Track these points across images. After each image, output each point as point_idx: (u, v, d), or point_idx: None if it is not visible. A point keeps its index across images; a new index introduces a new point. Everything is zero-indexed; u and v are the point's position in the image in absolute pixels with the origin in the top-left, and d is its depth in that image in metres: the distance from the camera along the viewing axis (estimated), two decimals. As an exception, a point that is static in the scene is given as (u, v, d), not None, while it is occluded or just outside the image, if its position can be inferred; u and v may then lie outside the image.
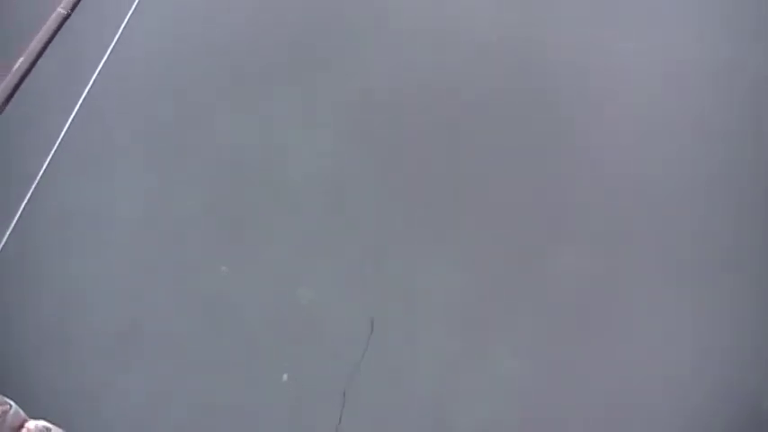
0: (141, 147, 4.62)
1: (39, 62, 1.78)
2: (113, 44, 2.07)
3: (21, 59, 1.75)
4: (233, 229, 4.33)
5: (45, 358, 3.70)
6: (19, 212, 1.75)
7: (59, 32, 1.84)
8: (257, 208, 4.43)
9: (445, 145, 4.69)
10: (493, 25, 5.36)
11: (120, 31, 2.11)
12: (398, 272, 4.16)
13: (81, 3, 1.91)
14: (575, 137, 4.74)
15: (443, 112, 4.85)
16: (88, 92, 1.98)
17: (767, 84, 4.97)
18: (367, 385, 3.69)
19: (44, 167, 1.82)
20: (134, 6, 2.19)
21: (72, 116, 1.90)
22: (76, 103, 1.93)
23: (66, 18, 1.87)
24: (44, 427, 1.46)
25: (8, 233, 1.69)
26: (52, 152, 1.85)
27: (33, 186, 1.78)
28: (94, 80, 1.99)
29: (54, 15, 1.85)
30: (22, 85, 1.73)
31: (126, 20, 2.14)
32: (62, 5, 1.87)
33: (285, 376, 3.73)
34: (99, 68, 2.01)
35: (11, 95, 1.68)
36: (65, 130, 1.89)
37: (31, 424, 1.46)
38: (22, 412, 1.46)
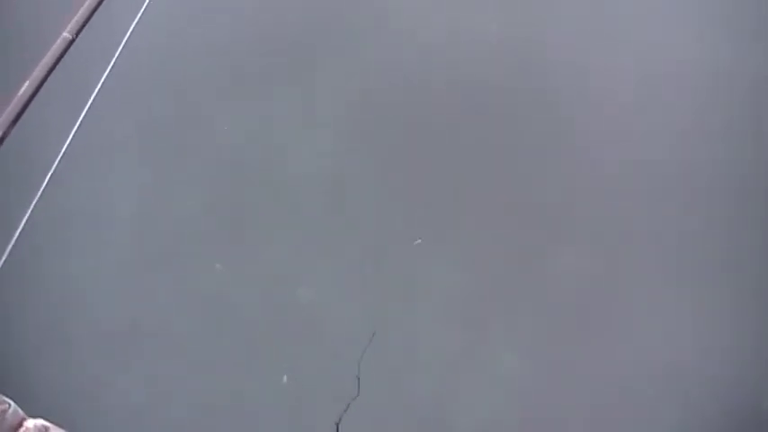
0: (141, 146, 4.62)
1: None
2: (118, 51, 2.09)
3: (26, 84, 1.77)
4: (233, 229, 4.33)
5: (44, 357, 3.71)
6: (24, 220, 1.76)
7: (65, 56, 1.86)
8: (257, 208, 4.43)
9: (445, 144, 4.69)
10: (493, 25, 5.36)
11: (125, 40, 2.13)
12: (398, 271, 4.17)
13: (86, 27, 1.94)
14: (575, 136, 4.74)
15: (443, 111, 4.86)
16: (89, 90, 1.99)
17: (767, 84, 4.97)
18: (367, 385, 3.69)
19: (49, 175, 1.83)
20: (138, 16, 2.21)
21: (77, 125, 1.92)
22: (79, 108, 1.95)
23: (71, 42, 1.89)
24: (43, 425, 1.46)
25: (13, 241, 1.71)
26: (57, 160, 1.87)
27: (39, 194, 1.80)
28: (98, 81, 2.01)
29: (59, 40, 1.87)
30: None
31: (130, 30, 2.15)
32: (67, 30, 1.90)
33: (285, 378, 3.73)
34: (104, 76, 2.03)
35: (17, 119, 1.70)
36: (70, 137, 1.91)
37: (30, 423, 1.46)
38: (20, 411, 1.46)
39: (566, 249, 4.24)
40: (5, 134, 1.66)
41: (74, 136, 1.89)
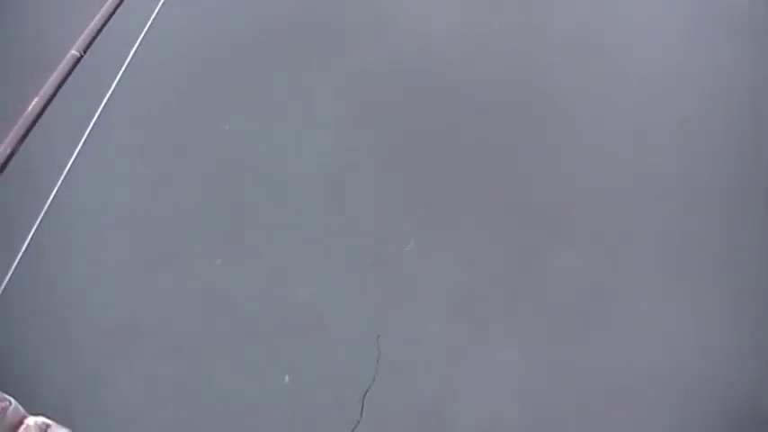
0: (141, 145, 4.63)
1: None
2: (124, 66, 2.12)
3: (35, 101, 1.79)
4: (233, 228, 4.33)
5: (44, 355, 3.70)
6: (34, 228, 1.78)
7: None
8: (257, 206, 4.44)
9: (445, 144, 4.69)
10: (494, 25, 5.37)
11: (131, 54, 2.15)
12: (399, 270, 4.17)
13: (94, 44, 1.96)
14: (575, 136, 4.74)
15: (443, 111, 4.86)
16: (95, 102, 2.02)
17: (767, 84, 4.98)
18: (366, 378, 3.70)
19: (58, 184, 1.86)
20: (146, 28, 2.24)
21: (84, 136, 1.94)
22: (84, 120, 1.97)
23: (78, 60, 1.91)
24: (44, 423, 1.46)
25: (24, 248, 1.72)
26: (66, 169, 1.89)
27: (48, 202, 1.83)
28: (103, 93, 2.03)
29: (67, 57, 1.89)
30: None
31: (136, 45, 2.18)
32: (75, 47, 1.91)
33: (287, 378, 3.73)
34: (110, 90, 2.05)
35: (25, 135, 1.72)
36: (79, 146, 1.93)
37: (31, 420, 1.46)
38: (21, 409, 1.46)
39: (566, 249, 4.24)
40: (14, 150, 1.68)
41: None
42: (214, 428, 3.58)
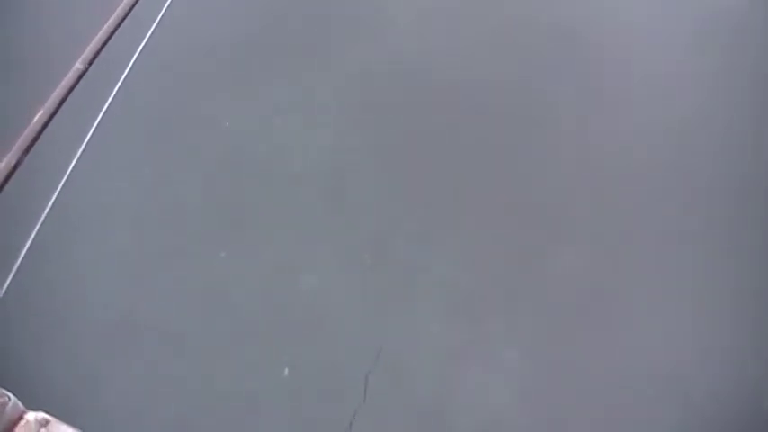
0: (140, 136, 4.63)
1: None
2: (125, 73, 2.14)
3: (39, 113, 1.81)
4: (233, 222, 4.34)
5: (43, 350, 3.71)
6: (35, 231, 1.80)
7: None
8: (258, 201, 4.44)
9: (445, 142, 4.70)
10: (493, 23, 5.38)
11: (132, 61, 2.17)
12: (400, 266, 4.17)
13: (98, 58, 1.99)
14: (575, 136, 4.74)
15: (444, 109, 4.87)
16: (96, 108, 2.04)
17: (767, 84, 4.98)
18: (366, 379, 3.70)
19: (60, 185, 1.88)
20: (150, 33, 2.26)
21: (87, 137, 1.96)
22: (86, 125, 1.99)
23: (83, 73, 1.93)
24: (44, 418, 1.45)
25: (26, 249, 1.74)
26: (69, 169, 1.91)
27: (51, 203, 1.85)
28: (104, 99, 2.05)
29: (72, 71, 1.92)
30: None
31: (137, 52, 2.20)
32: (79, 61, 1.94)
33: (286, 371, 3.73)
34: (112, 94, 2.07)
35: (29, 147, 1.74)
36: (82, 147, 1.95)
37: (31, 416, 1.45)
38: (20, 404, 1.46)
39: (566, 249, 4.24)
40: (19, 162, 1.70)
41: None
42: (214, 420, 3.58)
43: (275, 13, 5.47)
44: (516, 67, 5.13)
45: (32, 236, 1.76)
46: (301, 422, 3.60)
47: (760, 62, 5.11)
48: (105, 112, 2.02)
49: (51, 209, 1.86)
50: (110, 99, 2.05)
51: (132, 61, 2.15)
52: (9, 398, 1.45)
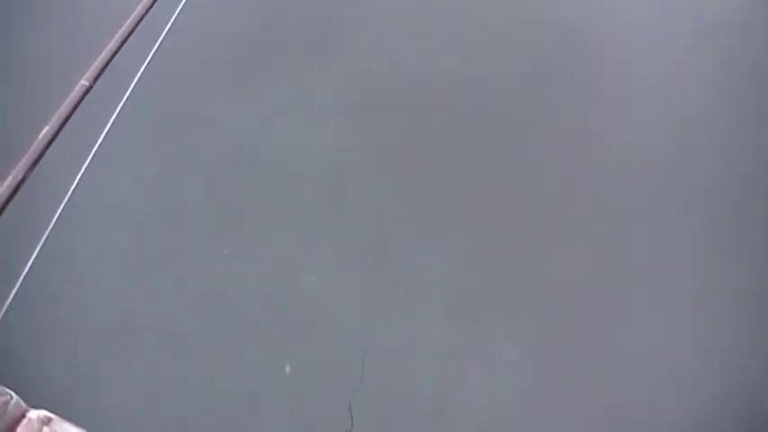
0: (141, 134, 4.63)
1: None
2: (132, 86, 2.17)
3: (46, 128, 1.85)
4: (233, 221, 4.34)
5: (45, 348, 3.70)
6: (45, 235, 1.84)
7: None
8: (258, 200, 4.45)
9: (445, 142, 4.70)
10: (493, 23, 5.38)
11: (139, 73, 2.20)
12: (399, 265, 4.17)
13: (103, 74, 2.02)
14: (575, 136, 4.74)
15: (444, 109, 4.87)
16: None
17: (767, 84, 4.98)
18: (366, 378, 3.70)
19: (69, 192, 1.90)
20: (151, 54, 2.29)
21: (93, 151, 1.99)
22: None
23: (88, 89, 1.97)
24: (45, 416, 1.46)
25: (34, 256, 1.76)
26: (80, 174, 1.94)
27: (62, 206, 1.88)
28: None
29: (77, 87, 1.95)
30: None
31: (144, 66, 2.22)
32: (85, 78, 1.98)
33: (288, 368, 3.73)
34: (120, 106, 2.10)
35: (36, 162, 1.79)
36: (91, 155, 1.97)
37: (33, 413, 1.45)
38: (22, 403, 1.46)
39: (566, 249, 4.24)
40: (26, 176, 1.74)
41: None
42: (215, 419, 3.58)
43: (275, 13, 5.47)
44: (516, 67, 5.13)
45: (37, 249, 1.79)
46: (301, 422, 3.61)
47: (760, 62, 5.12)
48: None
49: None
50: (115, 113, 2.08)
51: (137, 78, 2.18)
52: (11, 396, 1.45)
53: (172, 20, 2.40)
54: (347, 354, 3.78)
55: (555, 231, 4.32)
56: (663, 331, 3.93)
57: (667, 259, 4.21)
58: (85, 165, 1.94)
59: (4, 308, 1.65)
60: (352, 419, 3.57)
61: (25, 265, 1.74)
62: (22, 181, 1.73)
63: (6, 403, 1.44)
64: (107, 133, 2.04)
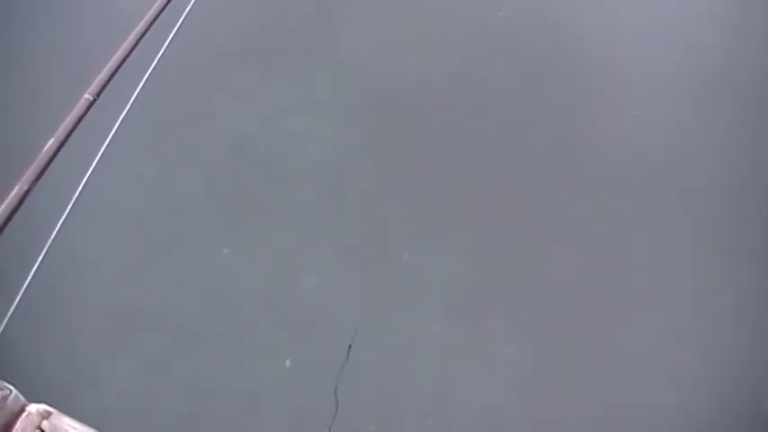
0: (142, 131, 4.63)
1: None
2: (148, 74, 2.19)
3: (50, 141, 1.88)
4: (234, 217, 4.35)
5: (44, 343, 3.70)
6: (52, 237, 1.88)
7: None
8: (259, 196, 4.46)
9: (445, 142, 4.70)
10: (493, 23, 5.38)
11: (141, 84, 2.22)
12: (399, 263, 4.17)
13: (107, 88, 2.06)
14: (575, 136, 4.74)
15: (444, 109, 4.87)
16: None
17: (767, 84, 4.99)
18: (367, 371, 3.72)
19: (76, 194, 1.92)
20: (153, 65, 2.32)
21: (97, 158, 2.01)
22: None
23: (92, 103, 2.00)
24: (45, 410, 1.45)
25: (40, 259, 1.78)
26: (88, 175, 1.95)
27: (68, 209, 1.93)
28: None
29: (81, 101, 1.98)
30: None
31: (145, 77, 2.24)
32: (88, 92, 2.01)
33: (288, 362, 3.73)
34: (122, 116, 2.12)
35: (41, 174, 1.82)
36: (88, 172, 1.99)
37: (33, 407, 1.45)
38: (22, 397, 1.46)
39: (566, 249, 4.24)
40: (30, 188, 1.78)
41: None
42: (216, 412, 3.59)
43: (275, 13, 5.48)
44: (517, 67, 5.13)
45: (40, 257, 1.81)
46: (301, 421, 3.61)
47: (760, 62, 5.12)
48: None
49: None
50: (116, 125, 2.10)
51: (138, 89, 2.21)
52: (10, 391, 1.45)
53: (172, 33, 2.41)
54: (347, 353, 3.78)
55: (555, 231, 4.32)
56: (663, 331, 3.93)
57: (667, 259, 4.21)
58: (88, 173, 1.96)
59: (10, 312, 1.67)
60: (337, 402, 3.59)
61: (28, 272, 1.76)
62: (27, 192, 1.76)
63: (6, 397, 1.44)
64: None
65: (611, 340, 3.91)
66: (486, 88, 4.97)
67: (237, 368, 3.74)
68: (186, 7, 2.50)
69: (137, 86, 2.22)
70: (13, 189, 1.75)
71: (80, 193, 1.94)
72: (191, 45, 5.08)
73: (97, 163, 2.01)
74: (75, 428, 1.45)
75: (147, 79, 2.25)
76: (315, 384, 3.68)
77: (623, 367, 3.82)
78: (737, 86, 4.99)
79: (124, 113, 2.15)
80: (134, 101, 2.19)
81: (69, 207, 1.94)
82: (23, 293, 1.74)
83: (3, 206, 1.71)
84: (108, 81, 2.07)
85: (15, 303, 1.71)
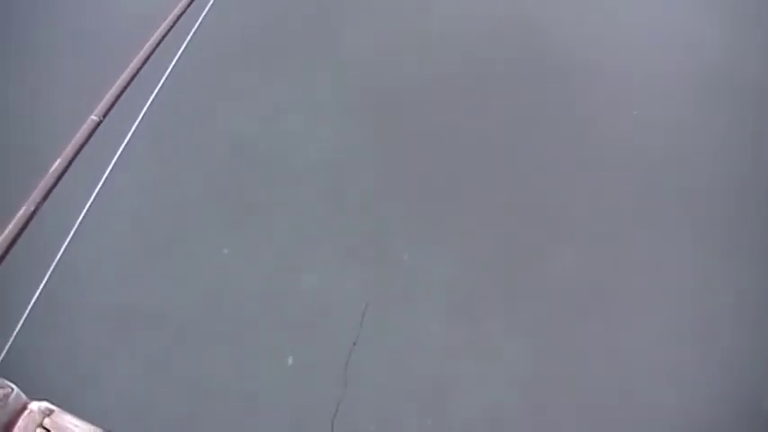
0: (142, 134, 4.62)
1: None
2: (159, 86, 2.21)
3: (57, 161, 1.91)
4: (235, 216, 4.35)
5: (46, 341, 3.69)
6: (64, 245, 1.96)
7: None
8: (259, 196, 4.46)
9: (445, 141, 4.70)
10: (493, 23, 5.39)
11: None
12: (399, 262, 4.17)
13: (113, 110, 2.11)
14: (575, 136, 4.75)
15: (444, 109, 4.87)
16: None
17: (767, 84, 4.99)
18: (367, 370, 3.71)
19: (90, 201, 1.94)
20: (162, 80, 2.35)
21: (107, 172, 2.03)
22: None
23: (98, 124, 2.03)
24: (47, 408, 1.45)
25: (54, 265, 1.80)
26: (100, 184, 1.97)
27: (81, 218, 2.00)
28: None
29: (87, 122, 2.02)
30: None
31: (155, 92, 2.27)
32: (95, 113, 2.04)
33: (290, 359, 3.74)
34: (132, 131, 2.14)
35: (48, 193, 1.86)
36: (109, 168, 2.02)
37: (34, 405, 1.45)
38: (23, 395, 1.46)
39: (566, 249, 4.24)
40: (38, 207, 1.81)
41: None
42: (218, 410, 3.59)
43: (275, 13, 5.48)
44: (516, 67, 5.13)
45: (61, 250, 1.82)
46: (301, 421, 3.61)
47: (760, 62, 5.12)
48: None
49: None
50: (123, 144, 2.13)
51: (143, 112, 2.24)
52: (12, 389, 1.45)
53: (176, 58, 2.45)
54: (347, 353, 3.78)
55: (555, 231, 4.32)
56: (663, 331, 3.93)
57: (667, 259, 4.21)
58: (96, 190, 1.98)
59: (16, 330, 1.69)
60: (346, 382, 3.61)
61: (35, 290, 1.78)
62: (33, 213, 1.79)
63: (7, 395, 1.44)
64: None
65: (611, 340, 3.91)
66: (486, 88, 4.97)
67: (237, 368, 3.73)
68: (191, 29, 2.52)
69: (142, 105, 2.25)
70: (19, 210, 1.78)
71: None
72: (190, 45, 5.10)
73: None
74: (77, 426, 1.45)
75: (151, 102, 2.27)
76: (315, 384, 3.68)
77: (623, 367, 3.82)
78: (737, 86, 5.00)
79: (129, 135, 2.17)
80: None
81: (77, 223, 1.96)
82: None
83: (9, 227, 1.74)
84: (114, 102, 2.11)
85: (21, 322, 1.72)
